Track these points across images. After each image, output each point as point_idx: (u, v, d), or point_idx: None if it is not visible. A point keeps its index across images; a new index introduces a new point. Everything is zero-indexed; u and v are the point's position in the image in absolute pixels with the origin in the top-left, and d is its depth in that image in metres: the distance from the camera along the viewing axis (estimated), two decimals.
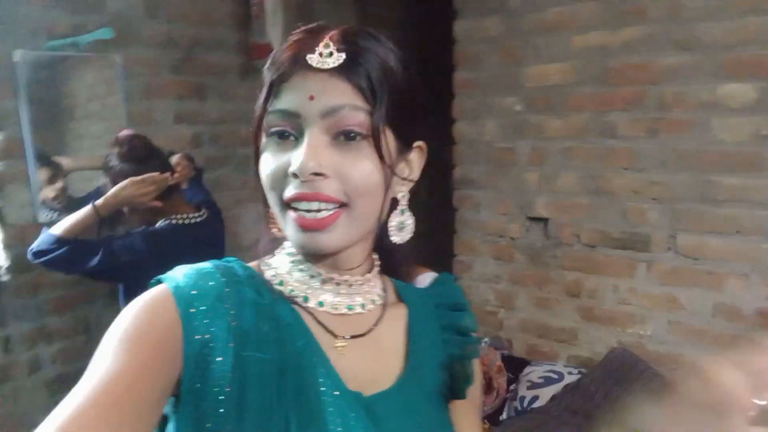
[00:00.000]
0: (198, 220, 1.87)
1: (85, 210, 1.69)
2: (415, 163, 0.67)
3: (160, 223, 1.81)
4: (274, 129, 0.60)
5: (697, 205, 2.05)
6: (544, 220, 2.40)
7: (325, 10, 2.86)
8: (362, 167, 0.59)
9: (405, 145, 0.65)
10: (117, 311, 0.59)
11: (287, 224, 0.61)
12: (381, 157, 0.59)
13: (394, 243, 0.68)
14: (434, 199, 3.35)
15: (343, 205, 0.59)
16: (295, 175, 0.57)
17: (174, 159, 1.93)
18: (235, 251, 2.58)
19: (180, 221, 1.82)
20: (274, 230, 0.67)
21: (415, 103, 0.65)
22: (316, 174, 0.57)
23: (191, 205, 1.91)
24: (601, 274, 2.28)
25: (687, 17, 2.00)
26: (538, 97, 2.35)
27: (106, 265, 1.68)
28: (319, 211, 0.58)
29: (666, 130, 2.09)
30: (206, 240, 1.88)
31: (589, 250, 2.30)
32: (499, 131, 2.46)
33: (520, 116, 2.38)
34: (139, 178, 1.71)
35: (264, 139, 0.62)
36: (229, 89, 2.68)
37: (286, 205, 0.60)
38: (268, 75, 0.61)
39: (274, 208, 0.62)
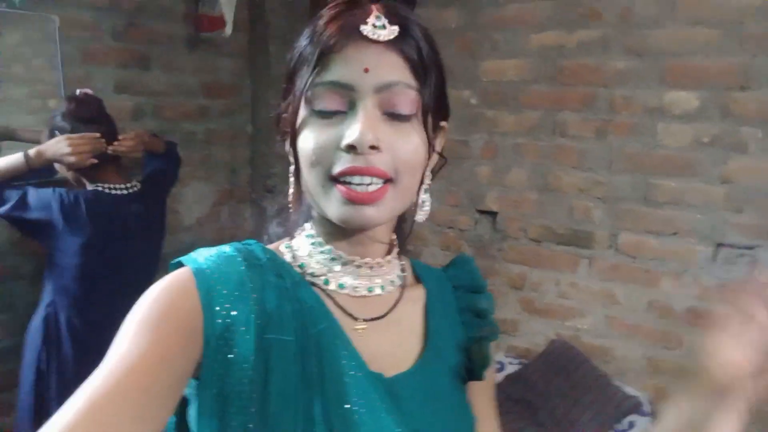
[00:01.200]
0: (123, 192, 1.82)
1: (16, 157, 1.64)
2: (439, 143, 0.68)
3: (86, 188, 1.78)
4: (320, 107, 0.59)
5: (639, 205, 2.14)
6: (493, 214, 2.44)
7: None
8: (413, 143, 0.59)
9: (437, 125, 0.65)
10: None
11: (331, 199, 0.59)
12: (429, 137, 0.61)
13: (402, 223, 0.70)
14: None
15: (389, 180, 0.59)
16: (350, 148, 0.57)
17: (130, 132, 1.85)
18: (176, 231, 2.48)
19: (104, 189, 1.78)
20: (293, 215, 0.68)
21: (445, 82, 0.65)
22: (372, 147, 0.57)
23: (125, 176, 1.86)
24: (545, 268, 2.34)
25: (638, 23, 2.07)
26: (493, 91, 2.37)
27: (16, 215, 1.66)
28: (369, 184, 0.58)
29: (614, 132, 2.16)
30: (131, 214, 1.82)
31: (535, 244, 2.35)
32: (453, 123, 2.45)
33: (474, 110, 2.40)
34: (75, 135, 1.67)
35: (303, 113, 0.60)
36: (175, 60, 2.55)
37: (333, 179, 0.59)
38: (313, 47, 0.59)
39: (316, 184, 0.60)
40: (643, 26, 2.06)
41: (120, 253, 1.79)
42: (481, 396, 0.75)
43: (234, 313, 0.57)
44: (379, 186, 0.58)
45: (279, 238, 0.72)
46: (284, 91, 0.64)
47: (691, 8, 1.98)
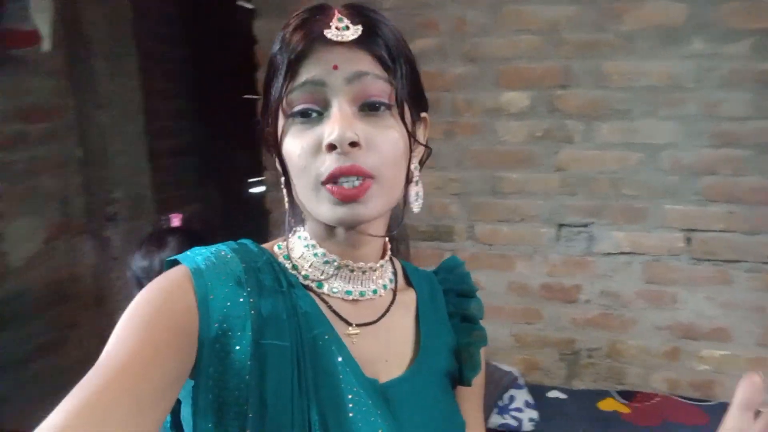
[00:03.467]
0: None
1: None
2: (422, 134, 0.70)
3: None
4: (297, 108, 0.59)
5: (489, 198, 2.34)
6: None
7: None
8: (390, 136, 0.60)
9: (416, 116, 0.67)
10: None
11: (322, 201, 0.60)
12: (404, 125, 0.61)
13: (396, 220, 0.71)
14: (244, 204, 3.23)
15: (371, 177, 0.59)
16: (332, 147, 0.57)
17: None
18: (1, 275, 2.14)
19: None
20: (291, 220, 0.68)
21: (419, 73, 0.67)
22: (353, 144, 0.57)
23: None
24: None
25: (471, 32, 2.26)
26: None
27: None
28: (355, 182, 0.58)
29: (460, 132, 2.34)
30: None
31: None
32: None
33: None
34: None
35: (282, 122, 0.61)
36: None
37: (322, 184, 0.59)
38: (283, 56, 0.59)
39: (306, 189, 0.61)
40: (476, 35, 2.26)
41: None
42: (470, 401, 0.76)
43: (230, 316, 0.56)
44: (362, 182, 0.58)
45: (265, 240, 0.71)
46: (263, 105, 0.64)
47: (514, 19, 2.22)
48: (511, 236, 2.34)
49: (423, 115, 0.69)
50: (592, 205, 2.24)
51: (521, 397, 2.05)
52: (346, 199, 0.58)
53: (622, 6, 2.10)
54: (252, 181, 3.20)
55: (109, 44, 2.60)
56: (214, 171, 3.27)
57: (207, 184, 3.30)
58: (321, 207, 0.60)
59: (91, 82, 2.56)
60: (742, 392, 0.53)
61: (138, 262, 1.51)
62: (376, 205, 0.60)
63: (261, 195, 2.62)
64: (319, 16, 0.60)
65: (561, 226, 2.28)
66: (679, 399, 2.16)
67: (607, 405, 2.13)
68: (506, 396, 2.04)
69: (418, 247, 2.42)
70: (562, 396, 2.15)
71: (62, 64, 2.53)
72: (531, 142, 2.27)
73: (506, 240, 2.35)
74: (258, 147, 2.50)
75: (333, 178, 0.58)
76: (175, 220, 1.63)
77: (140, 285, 1.47)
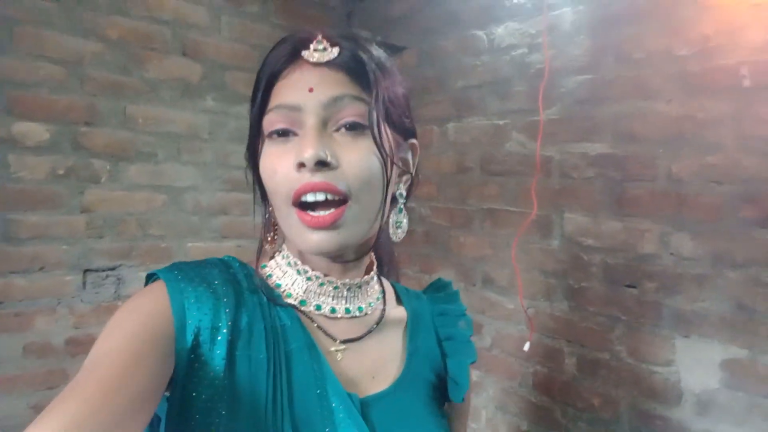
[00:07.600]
0: None
1: None
2: (410, 160, 0.69)
3: None
4: (275, 128, 0.59)
5: (1, 245, 1.93)
6: None
7: None
8: (365, 157, 0.58)
9: (401, 141, 0.66)
10: None
11: (293, 225, 0.59)
12: (380, 147, 0.59)
13: (382, 244, 0.71)
14: None
15: (347, 201, 0.58)
16: (302, 165, 0.57)
17: None
18: None
19: None
20: (266, 246, 0.67)
21: (407, 100, 0.66)
22: (323, 164, 0.56)
23: None
24: None
25: None
26: None
27: None
28: (326, 203, 0.57)
29: None
30: None
31: None
32: None
33: None
34: None
35: (262, 142, 0.62)
36: None
37: (293, 204, 0.59)
38: (263, 74, 0.60)
39: (279, 210, 0.60)
40: None
41: None
42: (459, 419, 0.77)
43: (206, 327, 0.56)
44: (336, 208, 0.57)
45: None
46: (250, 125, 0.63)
47: (30, 41, 1.95)
48: (29, 289, 1.99)
49: (411, 141, 0.68)
50: (120, 247, 2.18)
51: None
52: (317, 225, 0.56)
53: (146, 54, 2.19)
54: None
55: None
56: None
57: None
58: (292, 232, 0.59)
59: None
60: None
61: None
62: (349, 231, 0.58)
63: None
64: (301, 37, 0.59)
65: (87, 271, 2.12)
66: None
67: None
68: None
69: None
70: None
71: None
72: (53, 181, 2.03)
73: (23, 294, 1.98)
74: None
75: (301, 195, 0.57)
76: None
77: None
